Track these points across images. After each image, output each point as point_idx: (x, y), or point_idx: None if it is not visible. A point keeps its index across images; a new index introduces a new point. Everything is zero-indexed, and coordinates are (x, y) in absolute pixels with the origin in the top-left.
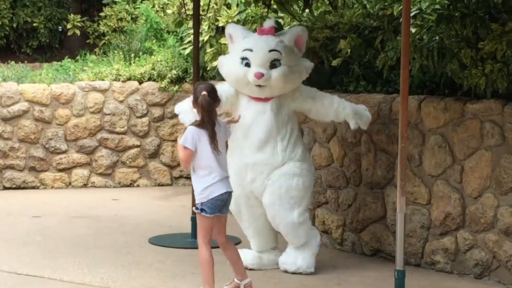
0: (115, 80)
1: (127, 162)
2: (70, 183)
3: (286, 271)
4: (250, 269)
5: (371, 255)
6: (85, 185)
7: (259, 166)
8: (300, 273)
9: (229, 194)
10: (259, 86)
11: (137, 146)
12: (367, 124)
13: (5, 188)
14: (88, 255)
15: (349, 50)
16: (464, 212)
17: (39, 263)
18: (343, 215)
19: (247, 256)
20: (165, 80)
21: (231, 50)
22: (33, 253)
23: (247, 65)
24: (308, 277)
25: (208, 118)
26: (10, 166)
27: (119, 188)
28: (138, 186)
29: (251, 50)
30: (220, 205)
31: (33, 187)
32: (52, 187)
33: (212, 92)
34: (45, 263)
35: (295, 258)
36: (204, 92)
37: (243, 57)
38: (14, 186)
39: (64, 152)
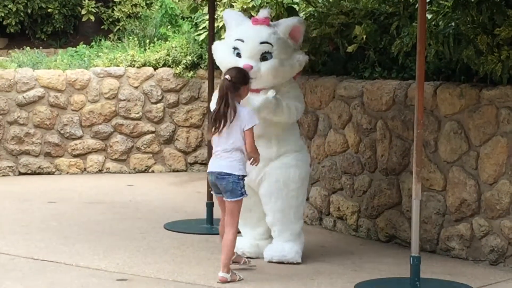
0: (130, 66)
1: (142, 148)
2: (85, 169)
3: (271, 261)
4: (248, 257)
5: (386, 242)
6: (100, 171)
7: None
8: (288, 263)
9: (215, 175)
10: None
11: (152, 132)
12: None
13: (20, 173)
14: (104, 241)
15: (364, 36)
16: (480, 198)
17: (55, 249)
18: (358, 202)
19: (245, 244)
20: (180, 66)
21: (226, 37)
22: (49, 238)
23: (238, 55)
24: (324, 264)
25: (222, 102)
26: (26, 152)
27: (134, 174)
28: (153, 172)
29: (242, 41)
30: (211, 185)
31: (48, 173)
32: (67, 173)
33: (237, 77)
34: (61, 248)
35: (282, 247)
36: (226, 76)
37: (235, 46)
38: (29, 171)
39: (79, 138)
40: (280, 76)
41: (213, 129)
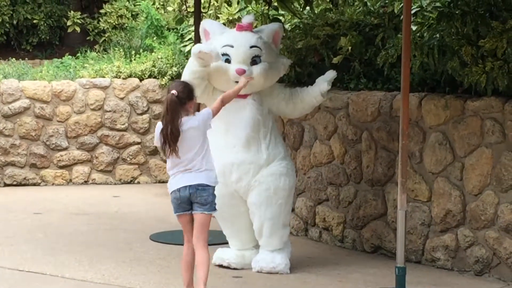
0: (116, 77)
1: (128, 159)
2: (70, 180)
3: (260, 271)
4: (234, 268)
5: (372, 252)
6: (85, 182)
7: (245, 165)
8: (276, 273)
9: (194, 187)
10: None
11: (138, 143)
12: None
13: (6, 185)
14: (89, 252)
15: (349, 48)
16: (465, 209)
17: (41, 260)
18: (344, 212)
19: (231, 255)
20: (165, 77)
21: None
22: (34, 249)
23: (227, 61)
24: (309, 275)
25: (168, 118)
26: (11, 163)
27: (119, 185)
28: (138, 183)
29: (231, 46)
30: (177, 203)
31: (34, 184)
32: (52, 184)
33: (184, 92)
34: (46, 259)
35: (272, 257)
36: (173, 91)
37: (224, 53)
38: (15, 183)
39: (65, 149)
40: (269, 78)
41: (170, 150)
